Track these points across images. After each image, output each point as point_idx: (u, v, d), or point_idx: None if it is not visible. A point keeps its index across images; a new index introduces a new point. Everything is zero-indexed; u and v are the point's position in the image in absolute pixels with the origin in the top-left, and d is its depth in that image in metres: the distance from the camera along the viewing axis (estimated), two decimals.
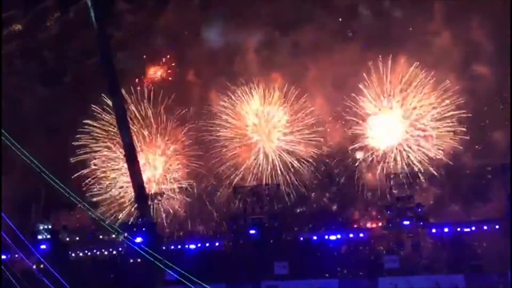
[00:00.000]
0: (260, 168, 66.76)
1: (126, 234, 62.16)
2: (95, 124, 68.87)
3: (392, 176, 63.78)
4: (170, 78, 73.53)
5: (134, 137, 66.94)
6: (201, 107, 68.96)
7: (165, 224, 67.22)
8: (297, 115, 67.30)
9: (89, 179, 67.92)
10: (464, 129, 63.38)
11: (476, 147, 63.09)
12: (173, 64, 73.72)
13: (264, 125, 67.78)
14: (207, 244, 64.79)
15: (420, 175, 63.68)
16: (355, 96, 66.02)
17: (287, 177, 66.41)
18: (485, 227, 60.20)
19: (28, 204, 66.36)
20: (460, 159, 63.84)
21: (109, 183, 68.30)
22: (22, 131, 63.14)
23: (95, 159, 68.36)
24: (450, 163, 63.65)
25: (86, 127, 68.57)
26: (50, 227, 64.90)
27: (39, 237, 64.22)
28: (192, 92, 70.15)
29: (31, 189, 65.19)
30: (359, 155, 65.89)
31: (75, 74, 72.53)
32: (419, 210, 62.02)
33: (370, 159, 65.94)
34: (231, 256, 63.30)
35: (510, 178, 57.63)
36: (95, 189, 67.87)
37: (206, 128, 68.30)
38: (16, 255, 60.84)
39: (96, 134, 68.87)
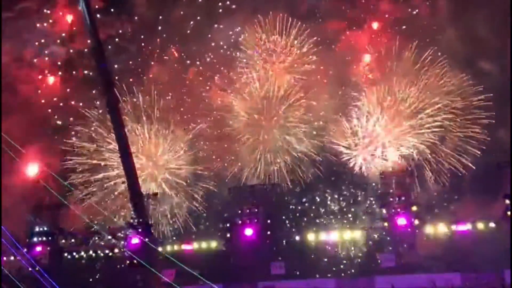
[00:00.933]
0: (259, 168, 66.42)
1: (121, 235, 62.25)
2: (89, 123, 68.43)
3: (390, 174, 63.83)
4: (172, 69, 72.64)
5: (133, 136, 66.42)
6: (203, 104, 68.42)
7: (162, 224, 67.05)
8: (300, 113, 66.84)
9: (85, 180, 67.60)
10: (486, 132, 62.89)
11: (494, 153, 62.30)
12: (176, 59, 72.84)
13: (265, 123, 67.34)
14: (204, 245, 64.74)
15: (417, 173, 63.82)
16: (357, 93, 65.76)
17: (286, 176, 66.22)
18: (482, 226, 60.41)
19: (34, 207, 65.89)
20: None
21: (105, 184, 67.91)
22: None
23: (90, 159, 67.96)
24: (465, 173, 63.37)
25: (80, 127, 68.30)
26: (45, 229, 64.87)
27: (35, 239, 64.28)
28: (194, 89, 69.53)
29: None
30: (361, 154, 65.66)
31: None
32: (415, 208, 62.19)
33: (371, 158, 65.78)
34: (227, 257, 63.32)
35: (510, 178, 57.55)
36: (90, 190, 67.54)
37: (206, 127, 67.96)
38: (12, 258, 61.24)
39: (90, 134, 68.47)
